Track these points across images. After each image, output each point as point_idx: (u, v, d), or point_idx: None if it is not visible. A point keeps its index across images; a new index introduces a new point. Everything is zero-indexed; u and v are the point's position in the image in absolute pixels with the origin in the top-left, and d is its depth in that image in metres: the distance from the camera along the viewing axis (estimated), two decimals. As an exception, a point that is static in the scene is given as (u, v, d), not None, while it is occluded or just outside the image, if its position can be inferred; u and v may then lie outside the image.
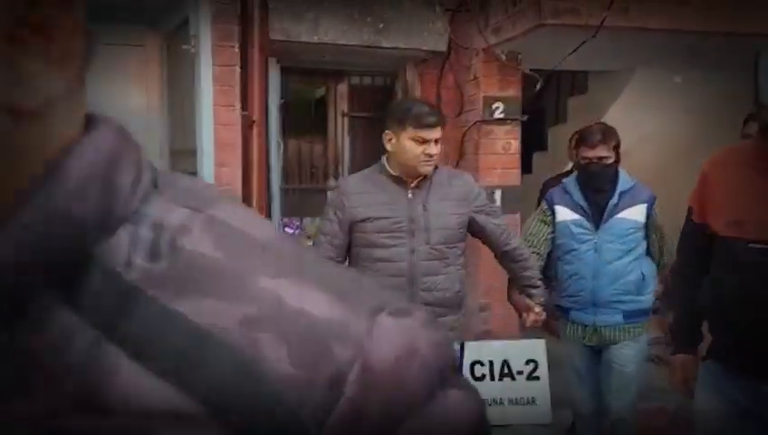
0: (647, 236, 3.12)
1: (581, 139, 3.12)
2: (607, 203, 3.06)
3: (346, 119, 4.99)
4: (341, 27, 4.26)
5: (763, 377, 2.03)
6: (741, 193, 2.04)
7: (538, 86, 4.58)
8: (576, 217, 3.11)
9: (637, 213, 3.07)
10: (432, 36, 4.51)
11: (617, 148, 3.08)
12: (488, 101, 4.53)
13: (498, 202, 4.60)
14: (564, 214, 3.15)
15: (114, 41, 3.56)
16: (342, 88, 4.95)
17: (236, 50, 3.34)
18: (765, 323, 1.96)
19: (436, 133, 2.59)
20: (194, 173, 2.82)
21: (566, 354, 3.39)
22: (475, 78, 4.59)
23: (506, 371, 4.49)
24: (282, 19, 4.12)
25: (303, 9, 4.17)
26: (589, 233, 3.09)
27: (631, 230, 3.05)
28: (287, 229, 4.56)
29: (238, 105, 3.44)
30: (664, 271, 3.29)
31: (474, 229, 2.79)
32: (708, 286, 2.18)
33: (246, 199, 3.89)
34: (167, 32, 3.37)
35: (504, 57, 4.45)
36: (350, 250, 2.71)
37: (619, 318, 3.08)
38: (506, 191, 4.65)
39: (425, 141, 2.56)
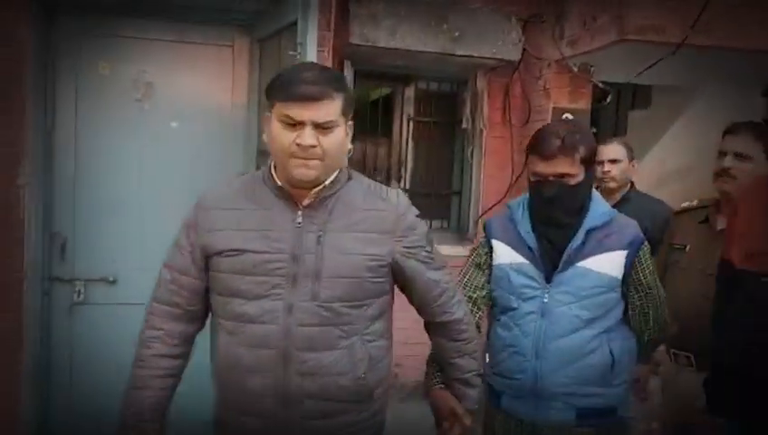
0: (625, 297, 2.15)
1: (532, 145, 2.10)
2: (566, 244, 2.09)
3: (411, 123, 5.04)
4: (418, 34, 4.31)
5: None
6: (760, 224, 1.87)
7: (608, 99, 4.59)
8: (520, 260, 2.15)
9: (610, 263, 2.08)
10: (506, 46, 4.54)
11: (588, 161, 2.07)
12: (558, 112, 4.55)
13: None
14: (504, 254, 2.19)
15: (203, 40, 3.65)
16: (409, 92, 5.00)
17: (326, 54, 3.41)
18: None
19: (315, 112, 1.61)
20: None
21: None
22: (546, 88, 4.61)
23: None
24: (361, 24, 4.19)
25: (382, 15, 4.24)
26: (535, 287, 2.12)
27: (598, 290, 2.07)
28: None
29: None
30: (649, 350, 2.39)
31: (398, 280, 1.84)
32: (724, 333, 1.93)
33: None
34: (260, 35, 3.43)
35: (576, 69, 4.47)
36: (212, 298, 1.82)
37: (570, 417, 2.11)
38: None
39: (295, 124, 1.63)
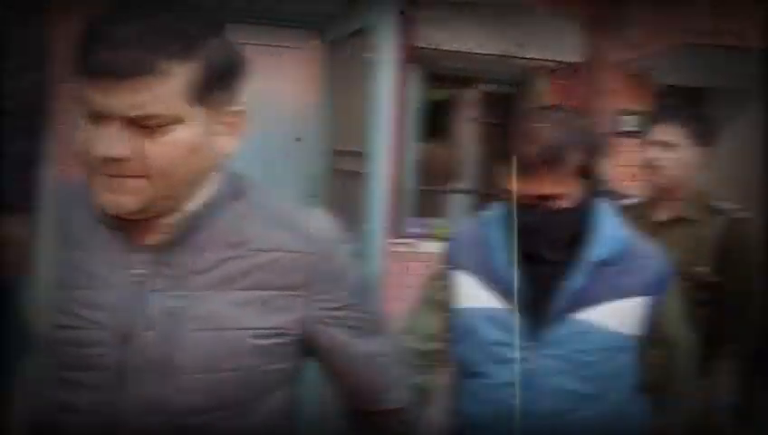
0: (640, 355, 1.44)
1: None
2: (559, 286, 1.39)
3: (473, 124, 5.14)
4: (481, 37, 4.43)
5: None
6: None
7: (668, 102, 4.61)
8: (494, 304, 1.44)
9: (624, 315, 1.39)
10: (567, 48, 4.62)
11: (589, 169, 1.37)
12: (618, 114, 4.60)
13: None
14: (472, 293, 1.48)
15: (273, 42, 3.83)
16: (471, 94, 5.10)
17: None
18: None
19: (126, 97, 0.85)
20: (359, 173, 3.02)
21: None
22: (606, 91, 4.66)
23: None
24: (428, 27, 4.33)
25: (448, 18, 4.37)
26: (514, 346, 1.37)
27: (605, 354, 1.39)
28: (411, 229, 4.71)
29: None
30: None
31: (311, 354, 1.08)
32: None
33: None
34: (333, 37, 3.59)
35: (636, 71, 4.51)
36: None
37: None
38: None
39: (100, 117, 0.87)
